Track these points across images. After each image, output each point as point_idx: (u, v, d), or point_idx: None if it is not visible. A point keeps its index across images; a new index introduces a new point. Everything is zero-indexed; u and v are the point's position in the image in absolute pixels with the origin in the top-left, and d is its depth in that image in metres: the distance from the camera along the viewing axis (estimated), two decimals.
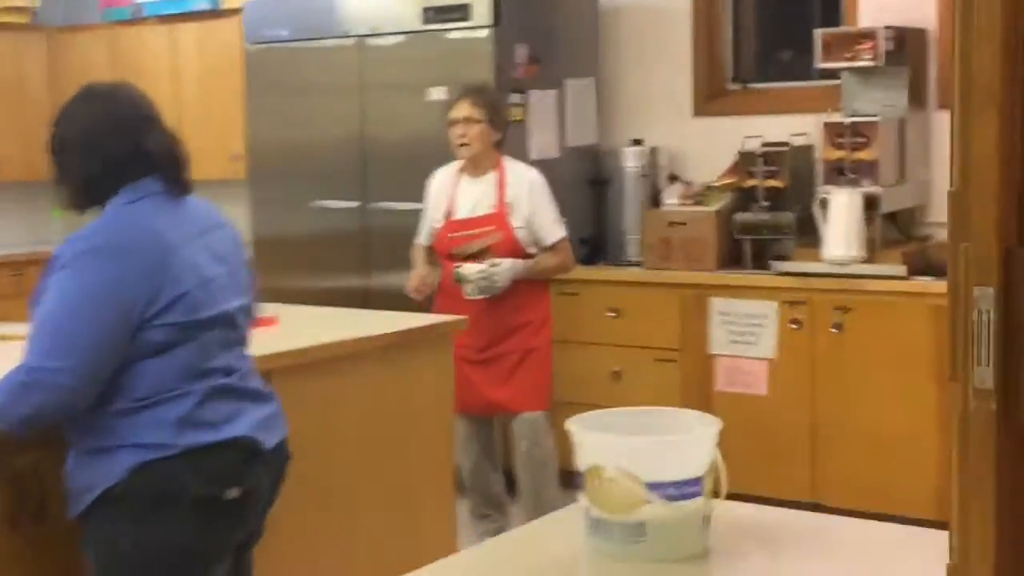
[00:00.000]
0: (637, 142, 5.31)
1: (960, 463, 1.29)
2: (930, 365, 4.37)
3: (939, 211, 4.86)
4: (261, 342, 2.78)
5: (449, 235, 4.25)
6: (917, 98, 4.79)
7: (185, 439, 2.41)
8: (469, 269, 4.10)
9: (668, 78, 5.42)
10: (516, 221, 4.20)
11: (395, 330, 3.48)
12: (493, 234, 4.18)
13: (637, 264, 5.10)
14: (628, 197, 5.23)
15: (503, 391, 4.24)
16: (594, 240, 5.30)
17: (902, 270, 4.48)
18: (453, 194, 4.28)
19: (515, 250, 4.20)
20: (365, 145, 5.28)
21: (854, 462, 4.56)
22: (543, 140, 5.14)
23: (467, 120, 4.21)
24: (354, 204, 5.34)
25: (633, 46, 5.49)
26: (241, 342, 2.58)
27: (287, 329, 3.45)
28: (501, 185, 4.24)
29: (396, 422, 3.46)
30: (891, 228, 4.77)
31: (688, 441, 1.83)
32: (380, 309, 5.07)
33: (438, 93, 4.97)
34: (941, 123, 4.84)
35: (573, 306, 5.05)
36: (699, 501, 1.82)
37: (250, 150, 5.67)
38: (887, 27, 4.58)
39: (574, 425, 1.87)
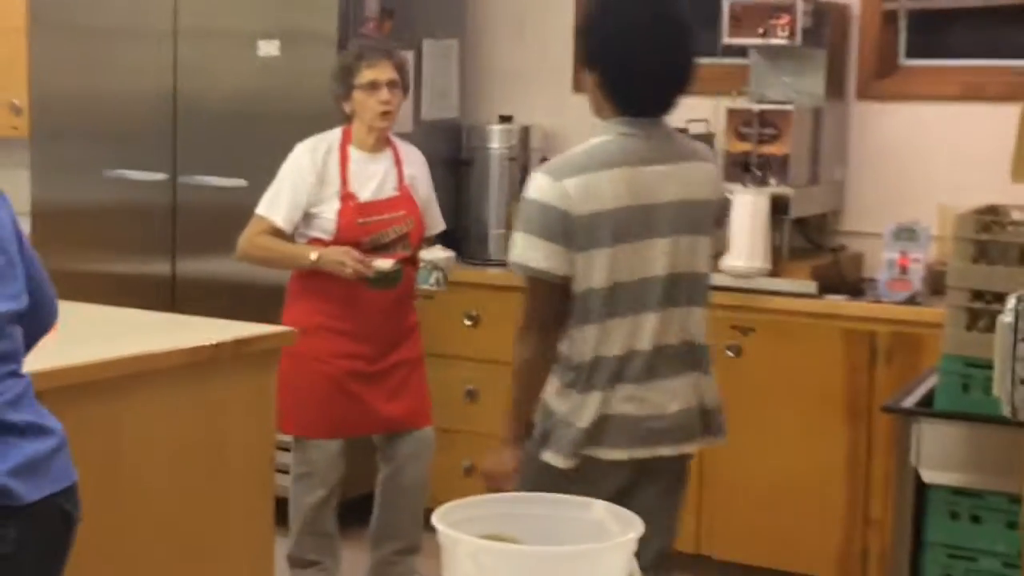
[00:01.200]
0: (506, 119, 5.11)
1: None
2: (840, 399, 4.21)
3: (855, 218, 4.73)
4: (30, 353, 2.45)
5: (359, 220, 3.96)
6: (835, 86, 4.61)
7: None
8: (436, 255, 3.99)
9: (545, 45, 5.22)
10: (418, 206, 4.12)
11: (207, 343, 3.17)
12: (407, 219, 4.03)
13: (501, 264, 4.83)
14: (493, 184, 5.04)
15: (399, 404, 4.08)
16: (451, 233, 5.00)
17: (812, 287, 4.31)
18: (345, 171, 4.00)
19: (422, 239, 4.10)
20: (178, 105, 4.95)
21: (747, 510, 4.39)
22: None
23: (392, 84, 3.98)
24: (161, 176, 5.01)
25: (506, 6, 5.28)
26: (8, 357, 2.27)
27: (67, 336, 3.07)
28: (398, 163, 4.08)
29: (204, 459, 3.18)
30: (799, 236, 4.60)
31: (599, 553, 1.50)
32: (189, 303, 4.80)
33: (269, 47, 4.71)
34: (861, 116, 4.68)
35: (422, 312, 4.74)
36: None
37: (34, 103, 5.30)
38: (806, 0, 4.37)
39: (440, 521, 1.53)
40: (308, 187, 3.95)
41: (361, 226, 3.95)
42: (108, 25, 5.06)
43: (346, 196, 3.96)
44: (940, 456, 2.87)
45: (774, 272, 4.31)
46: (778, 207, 4.31)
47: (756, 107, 4.39)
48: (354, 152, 4.00)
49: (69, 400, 2.76)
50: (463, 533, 1.51)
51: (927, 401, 2.99)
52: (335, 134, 4.03)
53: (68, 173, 5.20)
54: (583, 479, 2.80)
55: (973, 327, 2.86)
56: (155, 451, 3.05)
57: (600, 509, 1.61)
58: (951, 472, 2.87)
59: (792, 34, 4.34)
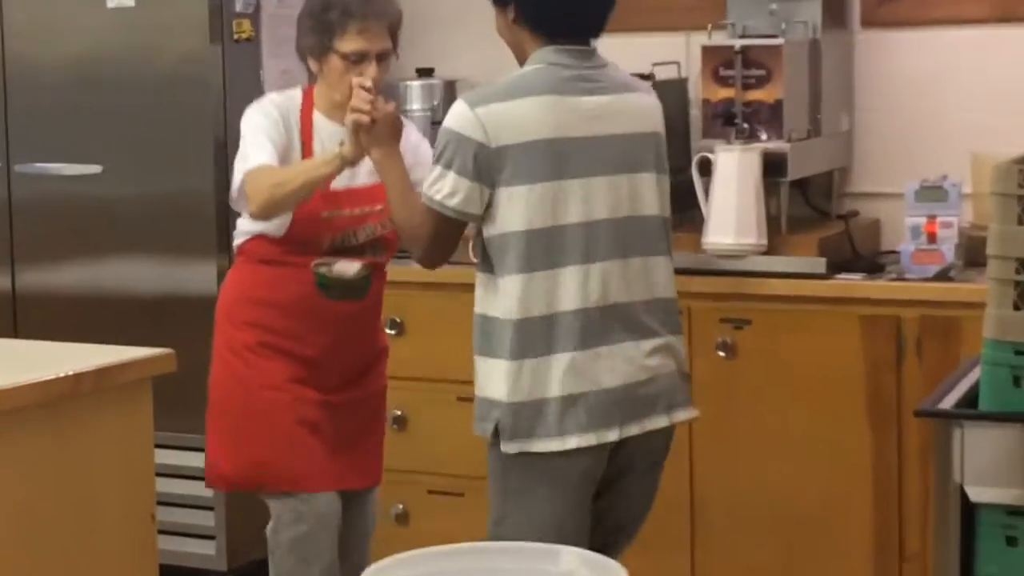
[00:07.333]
0: (425, 72, 5.14)
1: None
2: (860, 403, 4.26)
3: (866, 176, 4.79)
4: None
5: (324, 214, 3.74)
6: (835, 12, 4.66)
7: None
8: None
9: None
10: None
11: (62, 374, 3.13)
12: (385, 217, 3.71)
13: None
14: None
15: (353, 456, 3.91)
16: None
17: (820, 264, 4.36)
18: (310, 142, 3.76)
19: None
20: (7, 75, 4.96)
21: (749, 544, 4.43)
22: (283, 69, 4.83)
23: (383, 56, 3.73)
24: None
25: None
26: None
27: None
28: None
29: (67, 519, 3.14)
30: (799, 203, 4.64)
31: None
32: (33, 323, 4.77)
33: None
34: (868, 49, 4.72)
35: None
36: None
37: None
38: None
39: None
40: (279, 136, 3.69)
41: (325, 221, 3.73)
42: None
43: None
44: (990, 469, 2.90)
45: (771, 249, 4.35)
46: (772, 167, 4.34)
47: (738, 43, 4.42)
48: (320, 119, 3.77)
49: None
50: None
51: (970, 401, 3.02)
52: (291, 96, 3.80)
53: None
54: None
55: (1023, 305, 2.90)
56: (5, 510, 3.01)
57: (571, 558, 1.62)
58: (1005, 488, 2.89)
59: None
